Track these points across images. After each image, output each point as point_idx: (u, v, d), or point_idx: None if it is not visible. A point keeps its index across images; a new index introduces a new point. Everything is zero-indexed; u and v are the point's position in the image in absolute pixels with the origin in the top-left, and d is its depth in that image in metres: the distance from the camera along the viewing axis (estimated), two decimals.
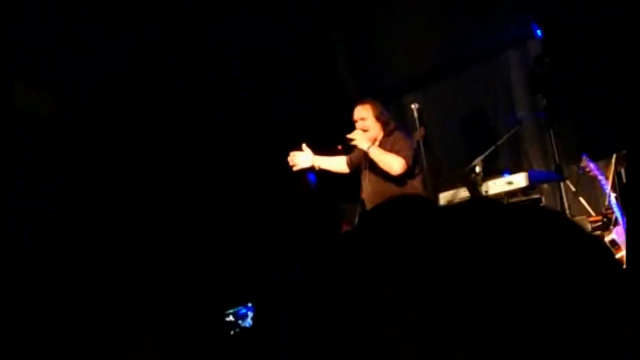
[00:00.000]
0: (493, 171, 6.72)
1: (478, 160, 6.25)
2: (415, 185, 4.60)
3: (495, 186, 6.19)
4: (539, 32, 6.70)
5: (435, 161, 7.69)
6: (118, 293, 5.63)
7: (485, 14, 7.25)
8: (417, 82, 8.16)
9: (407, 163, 4.50)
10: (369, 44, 8.44)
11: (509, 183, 6.13)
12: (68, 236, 5.58)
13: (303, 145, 4.75)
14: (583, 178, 6.39)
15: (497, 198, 6.26)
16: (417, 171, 4.66)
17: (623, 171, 5.42)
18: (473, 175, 6.21)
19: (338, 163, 4.89)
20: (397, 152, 4.52)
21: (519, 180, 6.08)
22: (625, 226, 4.46)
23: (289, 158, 4.72)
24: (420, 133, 6.48)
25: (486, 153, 6.33)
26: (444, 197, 6.68)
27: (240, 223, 6.92)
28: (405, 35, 7.93)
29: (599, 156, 4.12)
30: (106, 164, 6.07)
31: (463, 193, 6.44)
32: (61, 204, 5.61)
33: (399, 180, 4.56)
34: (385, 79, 8.30)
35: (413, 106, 5.25)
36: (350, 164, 4.90)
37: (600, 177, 5.65)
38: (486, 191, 6.20)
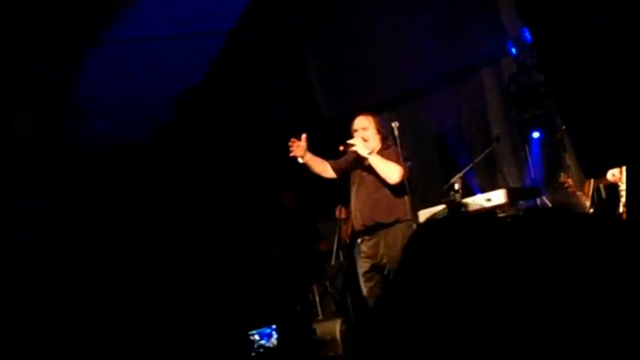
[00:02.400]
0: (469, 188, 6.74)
1: (457, 177, 6.26)
2: (406, 201, 4.58)
3: (474, 203, 6.20)
4: (513, 50, 6.78)
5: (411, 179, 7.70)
6: (117, 293, 5.56)
7: (459, 32, 7.31)
8: (392, 100, 8.17)
9: (404, 172, 4.49)
10: (342, 63, 8.45)
11: (488, 200, 6.14)
12: (68, 236, 5.50)
13: (304, 135, 4.65)
14: (559, 194, 6.45)
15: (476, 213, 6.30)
16: (408, 188, 4.65)
17: (602, 187, 5.48)
18: (452, 192, 6.21)
19: (322, 165, 4.79)
20: (395, 162, 4.52)
21: (498, 197, 6.09)
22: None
23: (290, 142, 4.61)
24: None
25: (465, 170, 6.35)
26: (422, 215, 6.67)
27: (240, 222, 6.88)
28: (379, 53, 7.95)
29: (598, 172, 4.13)
30: (107, 164, 6.02)
31: (442, 211, 6.42)
32: (62, 204, 5.53)
33: (394, 190, 4.53)
34: (360, 98, 8.31)
35: (393, 124, 5.23)
36: (336, 169, 4.81)
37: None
38: (466, 208, 6.20)
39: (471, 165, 6.63)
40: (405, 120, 8.09)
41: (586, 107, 2.20)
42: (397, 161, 4.52)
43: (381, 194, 4.55)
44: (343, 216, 7.08)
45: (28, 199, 5.24)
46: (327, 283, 7.68)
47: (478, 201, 6.18)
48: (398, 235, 4.48)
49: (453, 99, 7.78)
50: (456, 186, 6.23)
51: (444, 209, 6.43)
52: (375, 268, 4.56)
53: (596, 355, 0.65)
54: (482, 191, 6.45)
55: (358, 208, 4.66)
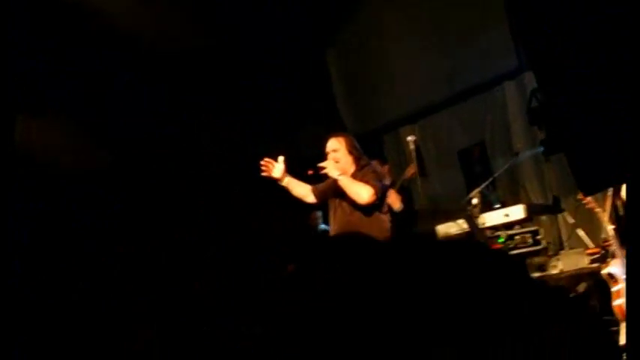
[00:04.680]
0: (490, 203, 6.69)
1: (475, 192, 6.23)
2: (383, 219, 4.54)
3: (493, 218, 6.15)
4: None
5: (432, 193, 7.69)
6: (117, 292, 5.61)
7: (482, 46, 7.30)
8: (415, 114, 8.18)
9: (375, 192, 4.44)
10: (366, 76, 8.49)
11: (506, 215, 6.08)
12: (68, 236, 5.57)
13: (281, 157, 4.67)
14: (581, 211, 6.35)
15: (495, 229, 6.25)
16: (385, 207, 4.62)
17: (619, 204, 5.39)
18: (470, 207, 6.18)
19: (303, 189, 4.80)
20: (366, 182, 4.50)
21: (517, 212, 6.04)
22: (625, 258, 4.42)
23: (263, 162, 4.63)
24: (411, 169, 6.46)
25: (484, 185, 6.32)
26: (441, 229, 6.65)
27: (240, 223, 6.89)
28: (402, 67, 7.98)
29: (595, 190, 4.07)
30: (107, 165, 6.10)
31: (461, 225, 6.39)
32: (62, 205, 5.61)
33: (368, 211, 4.50)
34: (383, 110, 8.34)
35: (409, 138, 5.24)
36: (316, 194, 4.82)
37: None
38: (484, 223, 6.15)
39: (490, 180, 6.59)
40: (428, 134, 8.11)
41: (582, 113, 2.13)
42: (369, 181, 4.48)
43: (355, 216, 4.50)
44: None
45: (28, 199, 5.32)
46: None
47: (496, 216, 6.14)
48: None
49: (475, 112, 7.75)
50: (474, 201, 6.20)
51: (463, 223, 6.43)
52: None
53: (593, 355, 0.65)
54: (505, 206, 6.38)
55: (336, 231, 4.64)
